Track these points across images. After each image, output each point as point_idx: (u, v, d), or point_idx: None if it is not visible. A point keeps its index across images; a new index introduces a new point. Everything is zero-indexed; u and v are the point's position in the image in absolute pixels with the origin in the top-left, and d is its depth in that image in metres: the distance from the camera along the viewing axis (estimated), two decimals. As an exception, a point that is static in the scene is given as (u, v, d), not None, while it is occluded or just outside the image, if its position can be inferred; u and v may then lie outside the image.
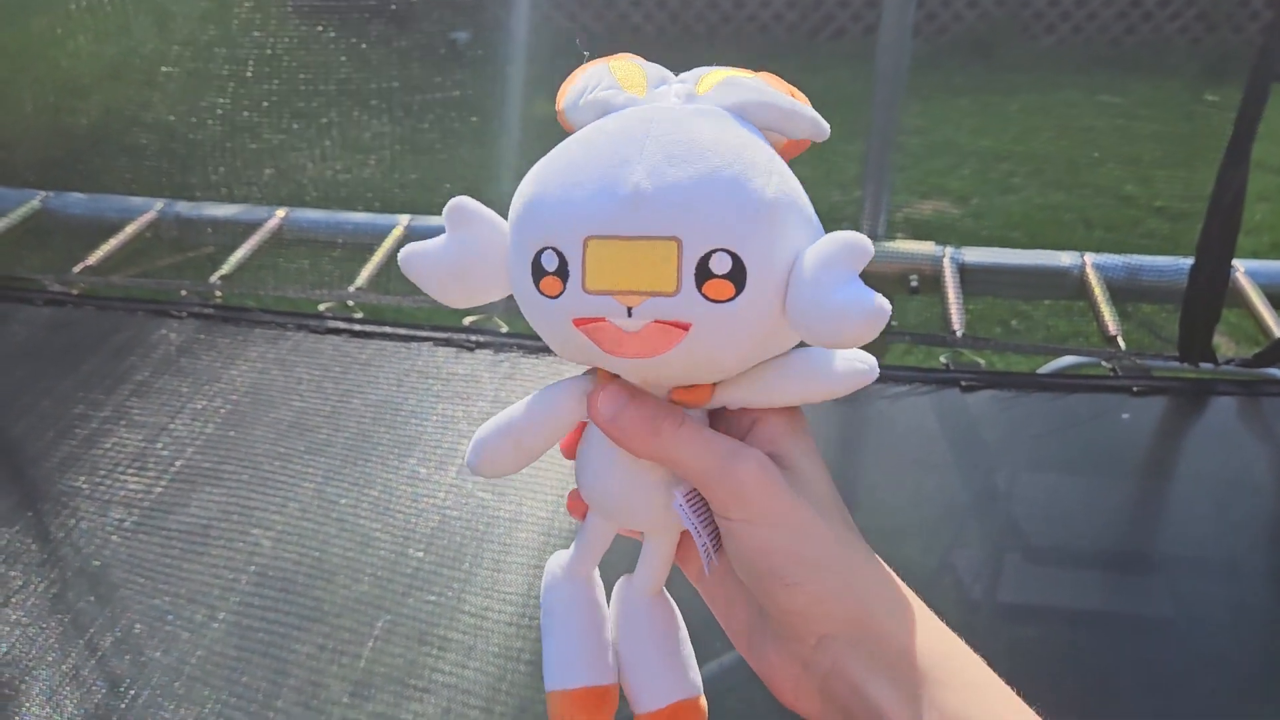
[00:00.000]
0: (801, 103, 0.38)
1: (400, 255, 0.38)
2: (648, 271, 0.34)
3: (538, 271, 0.35)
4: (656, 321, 0.34)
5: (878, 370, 0.39)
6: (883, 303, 0.33)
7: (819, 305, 0.34)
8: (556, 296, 0.35)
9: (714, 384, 0.39)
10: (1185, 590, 0.85)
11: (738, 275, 0.34)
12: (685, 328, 0.34)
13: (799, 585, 0.36)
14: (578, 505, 0.43)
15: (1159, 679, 0.78)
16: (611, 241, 0.34)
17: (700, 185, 0.34)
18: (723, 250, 0.34)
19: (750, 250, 0.34)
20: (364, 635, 0.82)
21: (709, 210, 0.34)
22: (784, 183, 0.36)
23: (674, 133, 0.35)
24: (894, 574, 0.38)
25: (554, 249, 0.35)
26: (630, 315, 0.34)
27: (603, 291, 0.34)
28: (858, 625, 0.36)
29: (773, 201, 0.35)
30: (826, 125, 0.38)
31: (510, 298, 0.39)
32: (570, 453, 0.43)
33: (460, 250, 0.38)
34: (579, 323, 0.35)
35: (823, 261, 0.34)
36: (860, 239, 0.34)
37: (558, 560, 0.45)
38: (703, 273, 0.34)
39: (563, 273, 0.35)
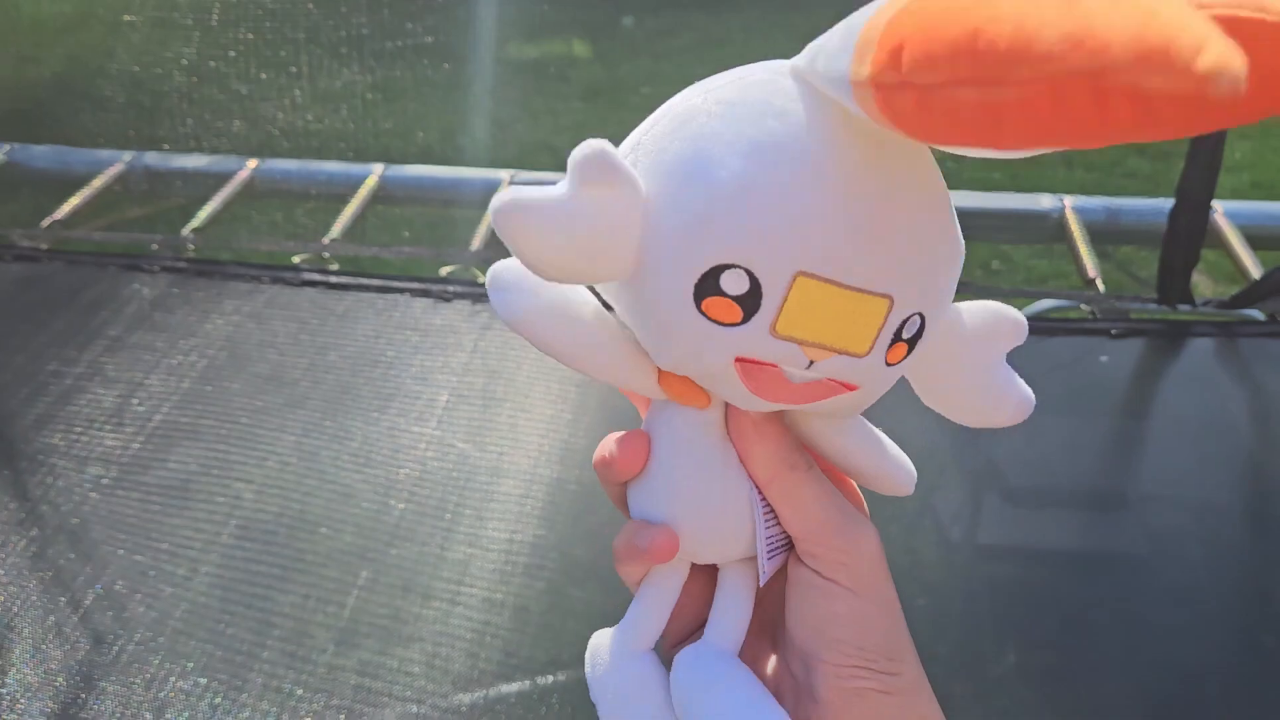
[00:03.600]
0: None
1: (499, 205, 0.28)
2: (850, 327, 0.29)
3: (707, 288, 0.28)
4: (829, 379, 0.30)
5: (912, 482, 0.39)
6: (1032, 396, 0.33)
7: (981, 386, 0.33)
8: (729, 325, 0.29)
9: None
10: (1160, 529, 0.86)
11: (917, 339, 0.31)
12: (852, 389, 0.30)
13: (888, 675, 0.33)
14: (643, 553, 0.35)
15: (1132, 615, 0.79)
16: (827, 286, 0.28)
17: (922, 238, 0.29)
18: (916, 315, 0.30)
19: (936, 314, 0.31)
20: (348, 586, 0.82)
21: (923, 270, 0.29)
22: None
23: (897, 163, 0.29)
24: None
25: (747, 271, 0.28)
26: (809, 368, 0.29)
27: (793, 339, 0.29)
28: None
29: (961, 256, 0.32)
30: None
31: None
32: (630, 470, 0.35)
33: (592, 216, 0.28)
34: (742, 361, 0.29)
35: (987, 336, 0.33)
36: (1021, 319, 0.32)
37: (604, 638, 0.37)
38: (895, 336, 0.30)
39: (750, 303, 0.28)
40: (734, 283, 0.28)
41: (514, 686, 0.74)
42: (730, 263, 0.28)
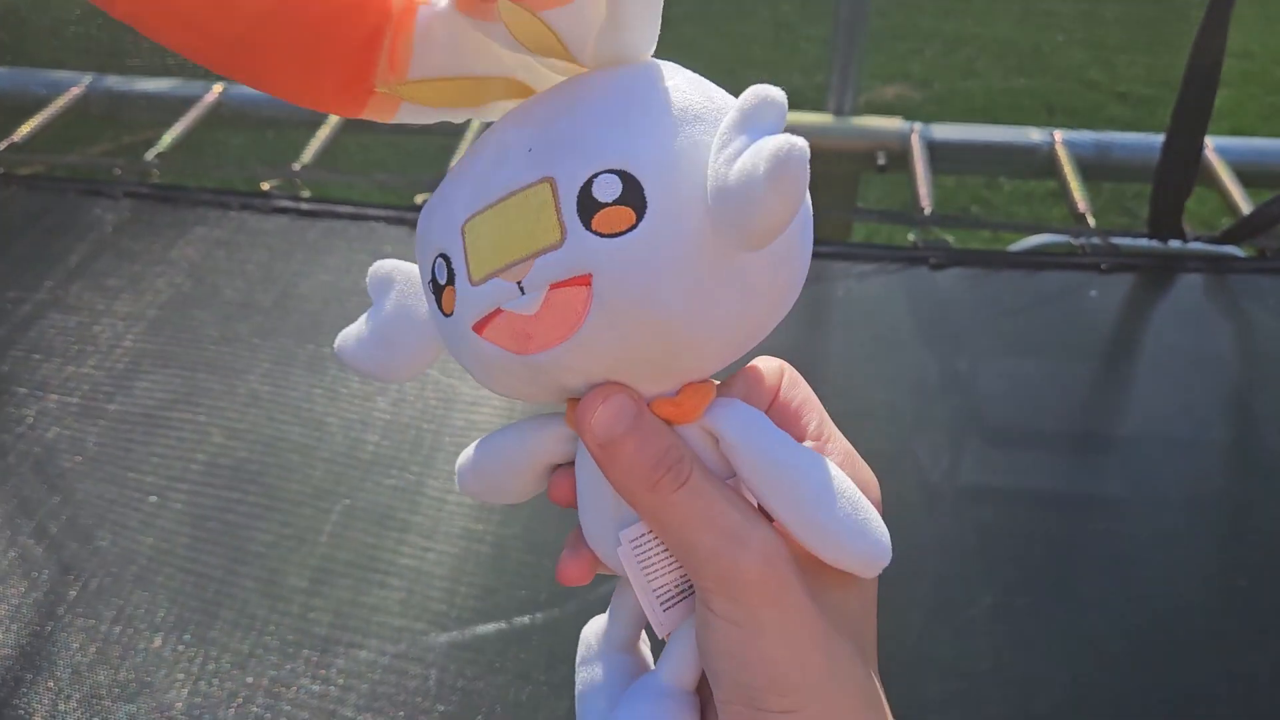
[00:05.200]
0: None
1: (338, 353, 0.33)
2: (527, 229, 0.27)
3: (436, 292, 0.30)
4: (552, 287, 0.27)
5: (886, 558, 0.30)
6: (794, 139, 0.24)
7: (723, 171, 0.25)
8: (452, 312, 0.29)
9: (705, 396, 0.30)
10: (1146, 467, 0.85)
11: (633, 196, 0.26)
12: (586, 281, 0.26)
13: (775, 714, 0.29)
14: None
15: (1117, 556, 0.79)
16: (481, 215, 0.28)
17: (571, 120, 0.28)
18: (605, 172, 0.26)
19: (641, 161, 0.26)
20: (322, 521, 0.79)
21: (578, 135, 0.27)
22: (678, 85, 0.28)
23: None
24: None
25: (441, 255, 0.29)
26: (523, 292, 0.27)
27: (487, 276, 0.27)
28: None
29: (660, 101, 0.28)
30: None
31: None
32: (561, 502, 0.35)
33: (386, 316, 0.32)
34: (480, 328, 0.28)
35: (725, 129, 0.26)
36: (766, 88, 0.26)
37: (594, 629, 0.36)
38: (587, 205, 0.26)
39: (451, 275, 0.29)
40: (440, 270, 0.29)
41: (491, 626, 0.72)
42: (429, 258, 0.30)
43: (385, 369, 0.33)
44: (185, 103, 1.30)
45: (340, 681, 0.69)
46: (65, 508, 0.80)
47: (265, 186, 1.16)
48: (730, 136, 0.26)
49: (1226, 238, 1.05)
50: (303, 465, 0.84)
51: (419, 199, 1.14)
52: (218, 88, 1.32)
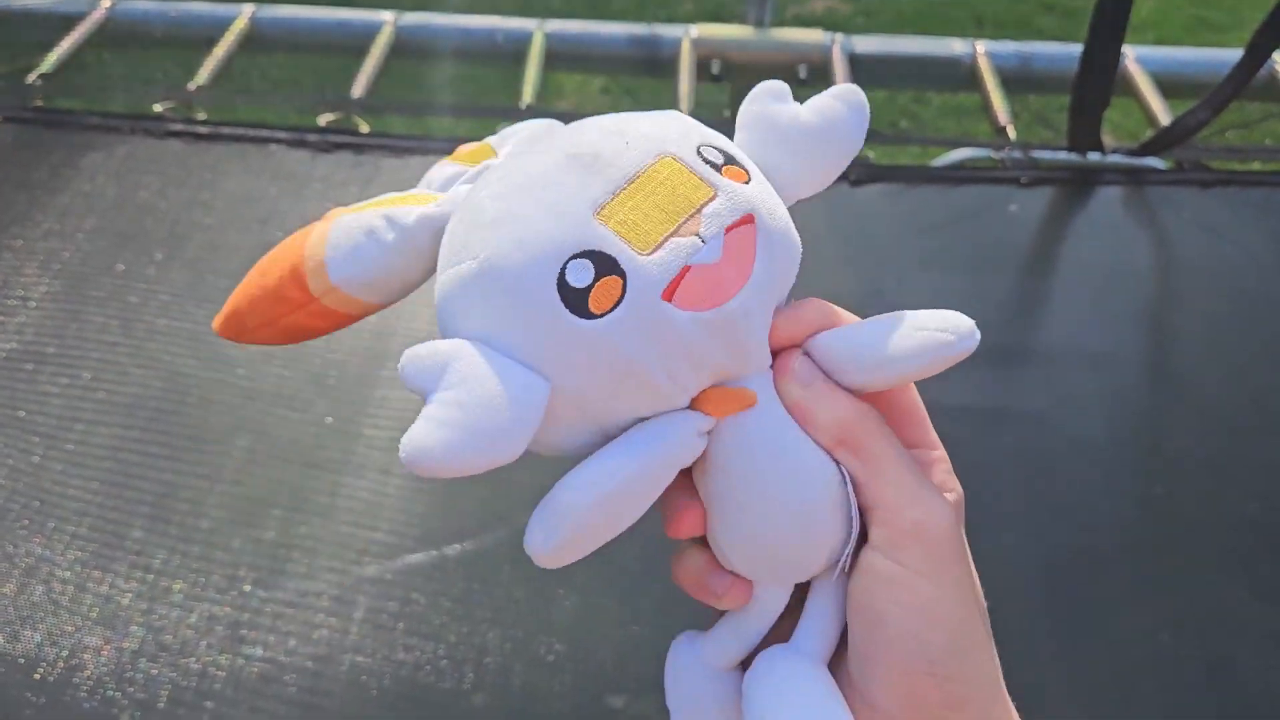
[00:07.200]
0: None
1: (405, 458, 0.28)
2: (676, 193, 0.29)
3: (574, 303, 0.28)
4: (727, 230, 0.29)
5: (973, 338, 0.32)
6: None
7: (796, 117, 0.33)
8: (622, 297, 0.28)
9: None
10: (1064, 380, 0.86)
11: (733, 159, 0.31)
12: (751, 219, 0.30)
13: (955, 683, 0.28)
14: (735, 586, 0.32)
15: (1030, 465, 0.79)
16: (615, 200, 0.29)
17: (637, 129, 0.31)
18: (705, 145, 0.31)
19: (716, 139, 0.32)
20: (226, 459, 0.77)
21: (658, 131, 0.31)
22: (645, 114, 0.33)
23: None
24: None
25: (578, 256, 0.28)
26: (704, 239, 0.29)
27: (662, 241, 0.28)
28: None
29: (673, 114, 0.33)
30: None
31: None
32: (689, 528, 0.32)
33: (467, 389, 0.28)
34: (669, 293, 0.28)
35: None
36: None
37: (684, 650, 0.35)
38: (714, 165, 0.30)
39: (608, 266, 0.28)
40: (578, 272, 0.28)
41: (417, 557, 0.71)
42: (552, 270, 0.28)
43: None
44: (71, 20, 1.22)
45: (260, 622, 0.67)
46: (-52, 453, 0.76)
47: (158, 109, 1.10)
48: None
49: (1145, 150, 1.05)
50: (204, 401, 0.81)
51: (323, 120, 1.08)
52: (106, 2, 1.24)
